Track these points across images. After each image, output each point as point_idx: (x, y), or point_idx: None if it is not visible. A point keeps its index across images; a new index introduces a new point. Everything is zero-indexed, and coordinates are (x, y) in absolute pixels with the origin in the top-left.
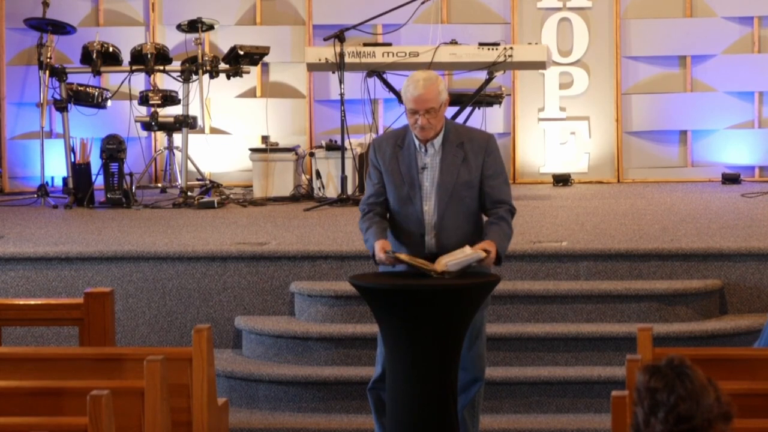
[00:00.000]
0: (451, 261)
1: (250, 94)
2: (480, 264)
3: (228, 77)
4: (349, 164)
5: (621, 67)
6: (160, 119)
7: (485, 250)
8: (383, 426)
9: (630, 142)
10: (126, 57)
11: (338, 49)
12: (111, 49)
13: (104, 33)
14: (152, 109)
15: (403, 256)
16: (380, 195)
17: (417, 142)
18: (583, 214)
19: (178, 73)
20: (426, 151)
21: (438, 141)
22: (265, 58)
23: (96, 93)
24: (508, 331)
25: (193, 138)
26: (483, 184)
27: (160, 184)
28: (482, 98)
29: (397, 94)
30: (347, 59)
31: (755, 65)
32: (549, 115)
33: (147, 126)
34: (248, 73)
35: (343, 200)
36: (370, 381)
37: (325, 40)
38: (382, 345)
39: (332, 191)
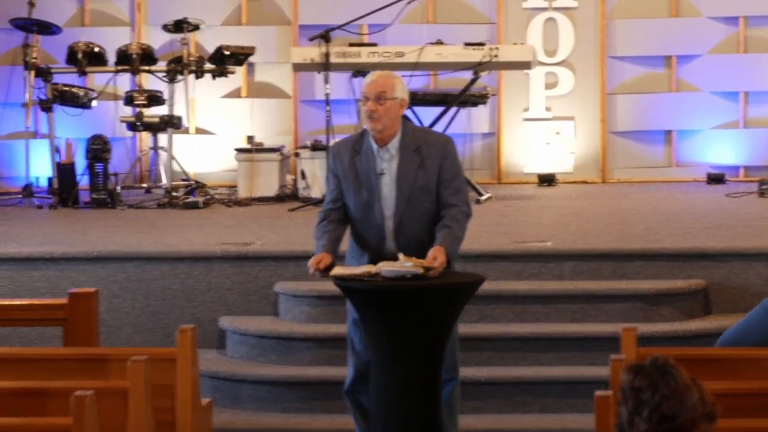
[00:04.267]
0: (388, 268)
1: (236, 94)
2: (428, 272)
3: (213, 77)
4: None
5: (606, 67)
6: (145, 119)
7: (428, 269)
8: (363, 428)
9: (615, 142)
10: (111, 57)
11: (324, 50)
12: (96, 50)
13: (90, 33)
14: (137, 110)
15: (337, 271)
16: (337, 201)
17: (375, 147)
18: (567, 214)
19: (164, 74)
20: (383, 156)
21: (394, 145)
22: (251, 59)
23: (81, 93)
24: (493, 331)
25: (178, 138)
26: (438, 186)
27: (145, 185)
28: (467, 98)
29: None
30: (333, 59)
31: (741, 65)
32: (534, 115)
33: (132, 126)
34: (233, 73)
35: None
36: (345, 383)
37: (310, 40)
38: (352, 346)
39: (317, 191)
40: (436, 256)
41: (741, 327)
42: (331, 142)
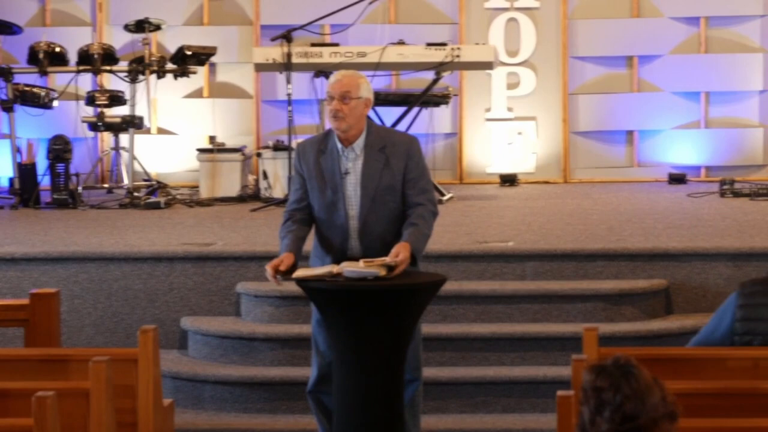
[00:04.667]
0: (349, 269)
1: (197, 94)
2: (390, 272)
3: (175, 77)
4: None
5: (568, 68)
6: (106, 119)
7: (391, 268)
8: (326, 429)
9: (577, 143)
10: (73, 57)
11: (285, 50)
12: (58, 50)
13: (51, 33)
14: (99, 110)
15: (299, 273)
16: (302, 201)
17: (339, 146)
18: (529, 214)
19: (125, 74)
20: (348, 155)
21: (359, 145)
22: (212, 59)
23: (43, 93)
24: (454, 331)
25: (140, 138)
26: (404, 186)
27: (106, 185)
28: (429, 98)
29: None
30: (295, 59)
31: (702, 65)
32: (496, 116)
33: (94, 126)
34: (195, 73)
35: None
36: (309, 384)
37: (272, 40)
38: (316, 347)
39: (279, 192)
40: (399, 252)
41: (701, 342)
42: (293, 143)
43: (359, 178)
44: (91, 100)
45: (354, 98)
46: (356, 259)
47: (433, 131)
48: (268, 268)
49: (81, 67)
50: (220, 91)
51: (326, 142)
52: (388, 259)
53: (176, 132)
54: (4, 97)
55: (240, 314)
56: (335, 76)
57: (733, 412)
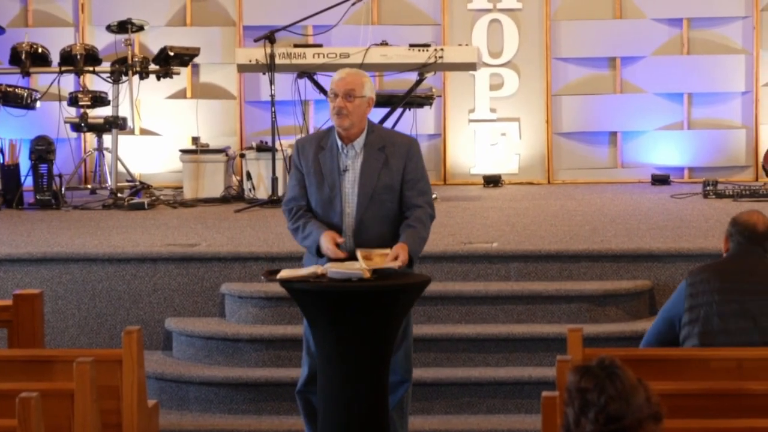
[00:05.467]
0: (334, 270)
1: (181, 95)
2: (389, 267)
3: (158, 78)
4: (279, 165)
5: (551, 69)
6: (89, 120)
7: (377, 267)
8: (313, 429)
9: (560, 144)
10: (55, 58)
11: (269, 50)
12: (40, 50)
13: (33, 34)
14: (82, 110)
15: (284, 274)
16: (301, 198)
17: (339, 144)
18: (513, 215)
19: (108, 74)
20: (347, 153)
21: (359, 143)
22: (196, 59)
23: (25, 94)
24: (439, 332)
25: (123, 139)
26: (403, 187)
27: (89, 186)
28: (413, 99)
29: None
30: (278, 60)
31: (684, 67)
32: (479, 117)
33: (76, 127)
34: (178, 74)
35: (273, 201)
36: (298, 384)
37: (255, 41)
38: (308, 347)
39: (263, 192)
40: (398, 253)
41: (651, 340)
42: (277, 144)
43: (357, 176)
44: (73, 101)
45: (358, 96)
46: (352, 258)
47: (416, 132)
48: (336, 239)
49: (63, 68)
50: (203, 91)
51: (326, 139)
52: (387, 260)
53: (159, 133)
54: None
55: (224, 315)
56: (339, 74)
57: (718, 413)
